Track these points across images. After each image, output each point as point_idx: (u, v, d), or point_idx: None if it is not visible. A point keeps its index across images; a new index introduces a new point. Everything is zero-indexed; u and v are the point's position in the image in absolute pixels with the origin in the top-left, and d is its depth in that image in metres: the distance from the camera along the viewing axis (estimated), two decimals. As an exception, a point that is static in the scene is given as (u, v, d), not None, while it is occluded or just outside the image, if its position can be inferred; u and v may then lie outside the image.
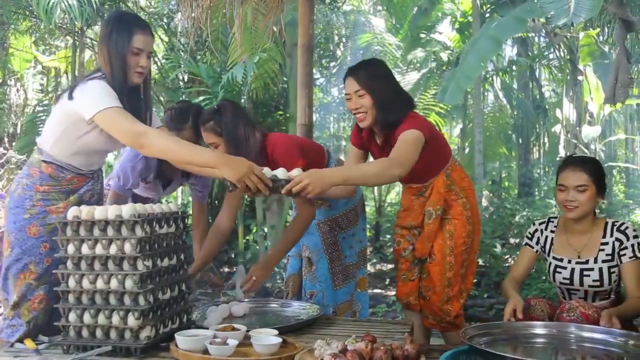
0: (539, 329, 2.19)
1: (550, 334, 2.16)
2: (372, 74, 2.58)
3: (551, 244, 2.55)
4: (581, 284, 2.45)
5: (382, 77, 2.60)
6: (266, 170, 2.17)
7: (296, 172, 2.19)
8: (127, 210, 2.08)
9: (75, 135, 2.29)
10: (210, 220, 7.95)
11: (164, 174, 2.95)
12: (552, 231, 2.57)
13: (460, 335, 2.04)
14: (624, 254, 2.40)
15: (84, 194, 2.40)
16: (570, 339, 2.12)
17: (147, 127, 2.22)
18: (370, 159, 2.87)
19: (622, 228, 2.44)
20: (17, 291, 2.27)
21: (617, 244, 2.42)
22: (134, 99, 2.37)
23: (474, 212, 2.72)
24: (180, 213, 2.34)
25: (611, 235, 2.44)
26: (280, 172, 2.19)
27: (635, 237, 2.42)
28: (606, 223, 2.48)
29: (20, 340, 2.22)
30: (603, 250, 2.43)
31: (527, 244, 2.62)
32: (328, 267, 2.93)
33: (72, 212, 2.11)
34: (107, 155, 2.56)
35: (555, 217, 2.62)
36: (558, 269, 2.50)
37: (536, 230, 2.60)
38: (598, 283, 2.42)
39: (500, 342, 2.09)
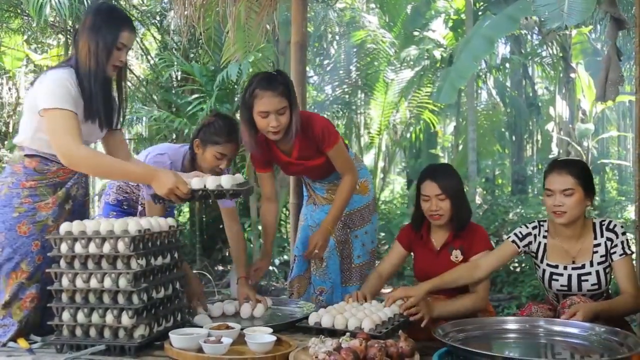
0: (511, 324, 2.25)
1: (523, 329, 2.21)
2: (451, 179, 2.65)
3: (544, 250, 2.49)
4: (579, 289, 2.41)
5: (458, 182, 2.70)
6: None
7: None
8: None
9: None
10: (204, 219, 7.95)
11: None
12: (544, 237, 2.50)
13: (435, 332, 2.06)
14: (614, 252, 2.38)
15: (71, 188, 2.37)
16: (540, 333, 2.17)
17: (81, 143, 2.20)
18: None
19: (611, 227, 2.42)
20: (9, 290, 2.25)
21: (608, 243, 2.40)
22: (106, 89, 2.39)
23: None
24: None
25: (602, 236, 2.42)
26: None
27: (623, 234, 2.42)
28: (594, 224, 2.45)
29: (13, 340, 2.21)
30: (597, 252, 2.41)
31: (514, 241, 2.51)
32: (339, 264, 2.93)
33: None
34: (92, 138, 2.51)
35: (544, 221, 2.55)
36: (554, 277, 2.44)
37: (529, 234, 2.51)
38: (597, 286, 2.39)
39: (473, 338, 2.13)
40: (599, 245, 2.41)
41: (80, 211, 2.43)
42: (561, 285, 2.43)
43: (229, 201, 2.99)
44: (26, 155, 2.32)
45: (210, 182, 2.31)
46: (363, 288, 2.66)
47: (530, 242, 2.51)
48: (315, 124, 2.72)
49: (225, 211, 2.97)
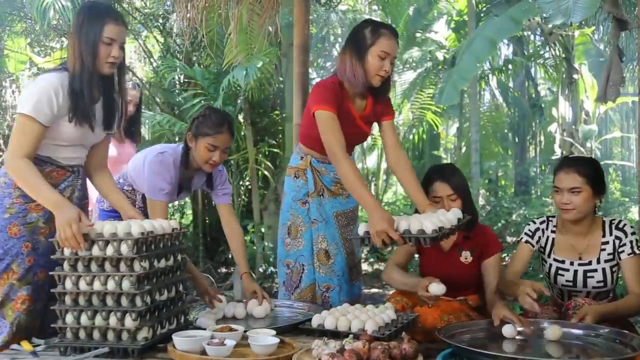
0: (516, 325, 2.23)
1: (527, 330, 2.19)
2: (460, 179, 2.66)
3: (552, 244, 2.51)
4: (585, 285, 2.42)
5: (466, 181, 2.72)
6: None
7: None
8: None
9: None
10: (208, 221, 7.96)
11: (189, 183, 2.94)
12: (552, 231, 2.52)
13: (439, 334, 2.06)
14: (623, 251, 2.39)
15: (64, 190, 2.35)
16: (544, 334, 2.16)
17: (23, 154, 2.18)
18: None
19: (620, 226, 2.43)
20: (0, 291, 2.24)
21: (617, 242, 2.41)
22: (109, 90, 2.38)
23: None
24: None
25: (610, 234, 2.43)
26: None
27: (632, 233, 2.42)
28: (604, 222, 2.46)
29: (5, 343, 2.20)
30: (604, 250, 2.41)
31: (527, 241, 2.55)
32: (345, 260, 2.88)
33: None
34: (87, 151, 2.48)
35: (553, 216, 2.57)
36: (560, 272, 2.46)
37: (537, 229, 2.54)
38: (602, 284, 2.40)
39: (477, 339, 2.14)
40: (607, 243, 2.42)
41: None
42: (566, 281, 2.45)
43: (227, 197, 3.01)
44: None
45: (429, 224, 2.18)
46: (419, 281, 2.45)
47: (539, 237, 2.54)
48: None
49: (223, 207, 2.98)
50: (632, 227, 2.46)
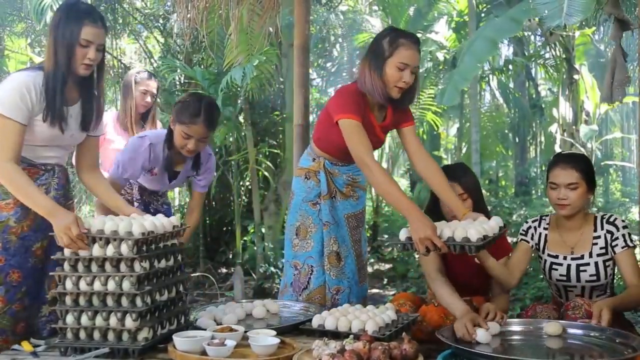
0: (515, 326, 2.26)
1: (527, 331, 2.23)
2: (472, 178, 2.67)
3: (545, 241, 2.57)
4: (578, 279, 2.47)
5: (477, 180, 2.74)
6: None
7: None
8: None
9: None
10: (208, 221, 7.97)
11: (171, 167, 2.92)
12: (545, 228, 2.58)
13: (438, 334, 2.07)
14: (616, 245, 2.43)
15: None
16: (544, 334, 2.18)
17: (9, 158, 2.14)
18: None
19: (612, 220, 2.49)
20: None
21: (608, 236, 2.46)
22: (87, 92, 2.35)
23: None
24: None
25: (602, 229, 2.48)
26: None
27: (624, 227, 2.47)
28: (595, 217, 2.51)
29: None
30: (596, 244, 2.46)
31: (522, 239, 2.60)
32: (355, 262, 2.88)
33: None
34: (67, 152, 2.45)
35: (547, 215, 2.64)
36: (554, 266, 2.52)
37: (530, 227, 2.61)
38: (595, 278, 2.44)
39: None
40: (598, 237, 2.47)
41: None
42: (560, 275, 2.50)
43: (205, 187, 3.07)
44: None
45: (474, 233, 2.15)
46: (459, 304, 2.31)
47: (532, 235, 2.59)
48: None
49: (197, 194, 3.07)
50: (623, 221, 2.51)
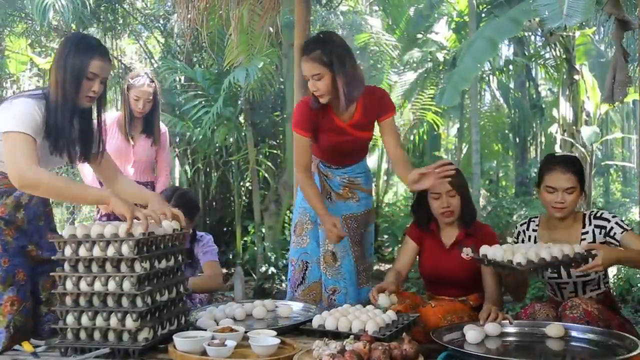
0: (513, 326, 2.27)
1: (524, 332, 2.24)
2: (459, 175, 2.65)
3: (535, 241, 2.59)
4: (569, 275, 2.50)
5: (464, 177, 2.73)
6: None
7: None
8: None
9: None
10: (208, 221, 7.96)
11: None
12: (534, 230, 2.62)
13: (433, 335, 2.08)
14: (615, 233, 2.45)
15: (20, 196, 2.32)
16: (541, 335, 2.19)
17: (37, 168, 2.12)
18: None
19: (599, 215, 2.52)
20: None
21: (597, 230, 2.48)
22: (85, 121, 2.36)
23: None
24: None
25: (590, 224, 2.51)
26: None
27: (614, 217, 2.50)
28: (584, 215, 2.55)
29: (7, 348, 2.18)
30: (584, 240, 2.48)
31: (514, 242, 2.66)
32: (354, 264, 2.89)
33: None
34: (51, 166, 2.44)
35: (536, 217, 2.68)
36: None
37: (520, 233, 2.67)
38: (583, 273, 2.44)
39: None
40: (586, 233, 2.50)
41: (37, 223, 2.39)
42: (551, 272, 2.52)
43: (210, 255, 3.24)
44: None
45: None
46: (384, 284, 2.55)
47: (523, 239, 2.64)
48: (380, 90, 2.85)
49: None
50: (610, 212, 2.56)
